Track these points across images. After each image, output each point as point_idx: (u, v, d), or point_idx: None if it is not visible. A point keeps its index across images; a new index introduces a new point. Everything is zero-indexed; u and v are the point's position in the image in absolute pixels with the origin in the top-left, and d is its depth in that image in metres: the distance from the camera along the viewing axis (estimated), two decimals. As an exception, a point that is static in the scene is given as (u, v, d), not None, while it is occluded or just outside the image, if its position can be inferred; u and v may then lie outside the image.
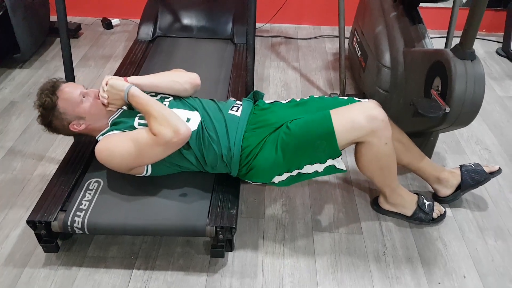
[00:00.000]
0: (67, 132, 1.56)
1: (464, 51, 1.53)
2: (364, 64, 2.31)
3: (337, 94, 2.43)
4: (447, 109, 1.53)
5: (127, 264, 1.55)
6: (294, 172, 1.51)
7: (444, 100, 1.56)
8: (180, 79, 1.63)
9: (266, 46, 3.12)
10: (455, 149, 2.14)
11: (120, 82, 1.49)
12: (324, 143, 1.43)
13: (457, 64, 1.52)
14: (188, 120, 1.51)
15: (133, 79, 1.54)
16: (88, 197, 1.53)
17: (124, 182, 1.58)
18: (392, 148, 1.52)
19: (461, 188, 1.75)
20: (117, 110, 1.55)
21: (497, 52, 3.06)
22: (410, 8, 2.07)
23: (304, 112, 1.56)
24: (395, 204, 1.71)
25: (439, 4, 2.79)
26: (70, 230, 1.46)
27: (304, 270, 1.55)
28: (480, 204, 1.83)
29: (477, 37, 1.64)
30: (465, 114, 1.56)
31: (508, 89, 2.65)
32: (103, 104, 1.52)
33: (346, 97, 1.67)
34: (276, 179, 1.54)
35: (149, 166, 1.51)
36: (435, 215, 1.70)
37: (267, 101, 1.72)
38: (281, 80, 2.71)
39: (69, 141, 1.81)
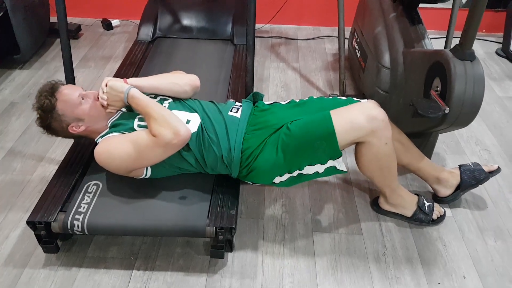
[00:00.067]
0: (66, 135, 1.55)
1: (464, 52, 1.53)
2: (363, 64, 2.31)
3: (336, 94, 2.43)
4: (447, 110, 1.53)
5: (127, 264, 1.55)
6: (295, 173, 1.51)
7: (444, 100, 1.56)
8: (180, 81, 1.62)
9: (266, 46, 3.12)
10: (455, 149, 2.14)
11: (119, 84, 1.48)
12: (324, 143, 1.43)
13: (457, 65, 1.52)
14: (188, 121, 1.51)
15: (132, 80, 1.53)
16: (87, 199, 1.53)
17: (123, 184, 1.58)
18: (392, 148, 1.52)
19: (461, 188, 1.75)
20: (116, 112, 1.55)
21: (496, 53, 3.06)
22: (410, 8, 2.07)
23: (304, 113, 1.56)
24: (395, 205, 1.71)
25: (439, 5, 2.81)
26: (70, 230, 1.46)
27: (304, 271, 1.55)
28: (479, 204, 1.83)
29: (477, 37, 1.64)
30: (464, 115, 1.56)
31: (508, 90, 2.65)
32: (103, 106, 1.51)
33: (345, 98, 1.67)
34: (277, 179, 1.54)
35: (149, 168, 1.51)
36: (435, 216, 1.70)
37: (266, 102, 1.72)
38: (280, 80, 2.71)
39: (68, 142, 1.81)
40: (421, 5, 2.06)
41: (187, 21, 2.74)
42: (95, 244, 1.62)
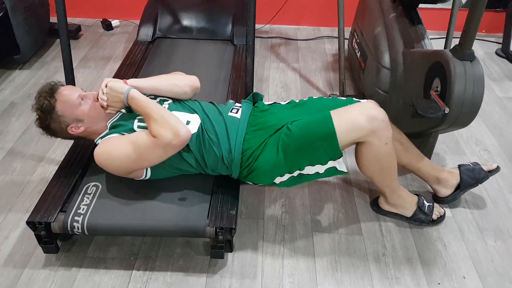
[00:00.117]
0: (65, 136, 1.55)
1: (464, 52, 1.53)
2: (363, 65, 2.31)
3: (336, 95, 2.43)
4: (447, 110, 1.53)
5: (127, 265, 1.55)
6: (295, 173, 1.51)
7: (444, 101, 1.56)
8: (180, 82, 1.62)
9: (265, 47, 3.12)
10: (455, 149, 2.14)
11: (119, 85, 1.48)
12: (325, 143, 1.43)
13: (457, 65, 1.52)
14: (188, 122, 1.51)
15: (132, 81, 1.53)
16: (87, 200, 1.53)
17: (123, 185, 1.58)
18: (393, 149, 1.52)
19: (461, 187, 1.75)
20: (116, 113, 1.55)
21: (496, 53, 3.06)
22: (410, 9, 2.07)
23: (304, 113, 1.56)
24: (395, 205, 1.71)
25: (439, 5, 2.81)
26: (70, 231, 1.46)
27: (303, 271, 1.55)
28: (479, 204, 1.83)
29: (477, 38, 1.64)
30: (464, 115, 1.56)
31: (508, 90, 2.65)
32: (102, 107, 1.51)
33: (345, 98, 1.67)
34: (277, 180, 1.54)
35: (148, 170, 1.51)
36: (434, 217, 1.70)
37: (266, 103, 1.72)
38: (280, 81, 2.71)
39: (68, 142, 1.81)
40: (421, 5, 2.07)
41: (187, 21, 2.74)
42: (95, 244, 1.62)
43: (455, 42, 1.65)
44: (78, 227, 1.45)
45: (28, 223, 1.46)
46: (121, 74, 2.29)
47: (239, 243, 1.64)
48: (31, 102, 1.50)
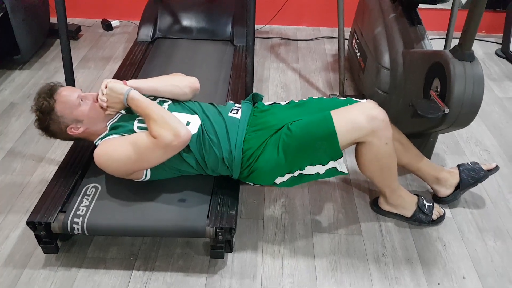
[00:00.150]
0: (65, 137, 1.54)
1: (463, 52, 1.53)
2: (363, 65, 2.32)
3: (336, 95, 2.43)
4: (446, 110, 1.53)
5: (127, 265, 1.55)
6: (296, 173, 1.51)
7: (443, 101, 1.56)
8: (180, 83, 1.62)
9: (265, 47, 3.12)
10: (455, 150, 2.14)
11: (119, 86, 1.48)
12: (325, 143, 1.43)
13: (456, 65, 1.52)
14: (188, 123, 1.51)
15: (132, 82, 1.53)
16: (86, 201, 1.53)
17: (123, 186, 1.57)
18: (393, 149, 1.52)
19: (460, 187, 1.75)
20: (115, 114, 1.54)
21: (496, 53, 3.06)
22: (409, 9, 2.07)
23: (304, 113, 1.57)
24: (395, 205, 1.71)
25: (438, 5, 2.81)
26: (69, 231, 1.46)
27: (303, 271, 1.55)
28: (479, 205, 1.83)
29: (476, 38, 1.64)
30: (464, 115, 1.56)
31: (507, 90, 2.65)
32: (102, 108, 1.50)
33: (344, 98, 1.67)
34: (278, 180, 1.54)
35: (148, 171, 1.51)
36: (434, 217, 1.70)
37: (266, 103, 1.72)
38: (280, 81, 2.71)
39: (68, 143, 1.81)
40: (420, 5, 2.07)
41: (187, 21, 2.74)
42: (95, 244, 1.62)
43: (455, 42, 1.65)
44: (78, 227, 1.45)
45: (28, 223, 1.47)
46: (121, 74, 2.29)
47: (239, 243, 1.64)
48: (31, 103, 1.50)
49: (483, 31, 3.33)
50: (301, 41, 3.21)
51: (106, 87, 1.48)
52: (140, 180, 1.54)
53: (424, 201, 1.70)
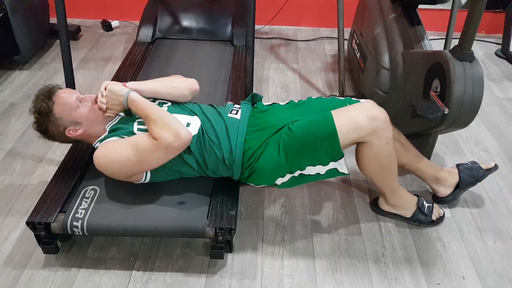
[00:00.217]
0: (63, 139, 1.53)
1: (463, 53, 1.54)
2: (363, 65, 2.32)
3: (336, 95, 2.43)
4: (446, 111, 1.54)
5: (127, 265, 1.56)
6: (296, 173, 1.51)
7: (443, 101, 1.56)
8: (179, 85, 1.62)
9: (265, 48, 3.12)
10: (454, 150, 2.14)
11: (119, 87, 1.47)
12: (326, 143, 1.43)
13: (456, 66, 1.53)
14: (188, 124, 1.50)
15: (131, 84, 1.52)
16: (87, 200, 1.53)
17: (123, 186, 1.57)
18: (393, 148, 1.52)
19: (460, 186, 1.75)
20: (115, 116, 1.54)
21: (496, 54, 3.06)
22: (409, 9, 2.07)
23: (303, 113, 1.57)
24: (395, 205, 1.71)
25: (438, 6, 2.81)
26: (69, 231, 1.46)
27: (303, 271, 1.55)
28: (479, 205, 1.83)
29: (476, 38, 1.65)
30: (464, 116, 1.56)
31: (507, 91, 2.65)
32: (101, 110, 1.50)
33: (343, 98, 1.68)
34: (279, 181, 1.54)
35: (148, 173, 1.50)
36: (434, 217, 1.70)
37: (265, 103, 1.72)
38: (280, 81, 2.71)
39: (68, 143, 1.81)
40: (420, 6, 2.07)
41: (186, 22, 2.75)
42: (95, 245, 1.62)
43: (454, 42, 1.65)
44: (77, 228, 1.45)
45: (28, 223, 1.47)
46: (120, 74, 2.29)
47: (239, 244, 1.64)
48: (31, 103, 1.50)
49: (483, 32, 3.33)
50: (301, 42, 3.21)
51: (105, 89, 1.48)
52: (140, 183, 1.54)
53: (424, 202, 1.70)
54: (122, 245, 1.62)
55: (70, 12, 1.99)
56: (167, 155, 1.41)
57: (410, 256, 1.61)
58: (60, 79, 2.63)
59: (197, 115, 1.55)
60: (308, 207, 1.81)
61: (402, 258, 1.60)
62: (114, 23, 3.32)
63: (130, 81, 2.20)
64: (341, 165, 1.48)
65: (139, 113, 1.45)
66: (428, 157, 1.94)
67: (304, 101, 1.68)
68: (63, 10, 1.78)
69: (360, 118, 1.43)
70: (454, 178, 1.76)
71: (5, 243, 1.63)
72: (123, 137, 1.46)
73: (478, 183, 1.77)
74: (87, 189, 1.58)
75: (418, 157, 1.78)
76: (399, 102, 1.95)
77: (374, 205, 1.78)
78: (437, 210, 1.73)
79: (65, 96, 1.48)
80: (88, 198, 1.54)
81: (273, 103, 1.72)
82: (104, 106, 1.48)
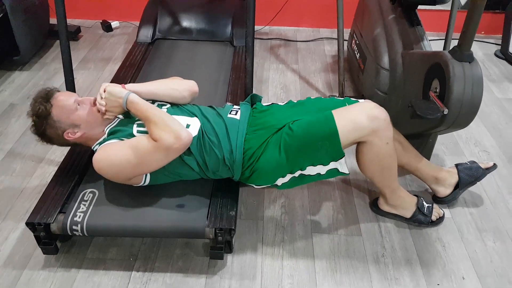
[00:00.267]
0: (62, 142, 1.52)
1: (462, 53, 1.54)
2: (362, 66, 2.32)
3: (335, 95, 2.43)
4: (446, 111, 1.54)
5: (126, 266, 1.55)
6: (297, 174, 1.50)
7: (443, 102, 1.57)
8: (179, 86, 1.61)
9: (265, 48, 3.13)
10: (454, 150, 2.15)
11: (118, 89, 1.47)
12: (327, 143, 1.43)
13: (455, 66, 1.53)
14: (187, 126, 1.50)
15: (130, 86, 1.52)
16: (86, 201, 1.53)
17: (122, 188, 1.56)
18: (393, 148, 1.52)
19: (460, 186, 1.76)
20: (114, 119, 1.53)
21: (495, 54, 3.06)
22: (409, 10, 2.08)
23: (303, 112, 1.57)
24: (395, 206, 1.71)
25: (438, 6, 2.82)
26: (69, 232, 1.46)
27: (303, 272, 1.55)
28: (478, 205, 1.83)
29: (476, 39, 1.65)
30: (463, 116, 1.56)
31: (507, 91, 2.65)
32: (100, 112, 1.49)
33: (342, 98, 1.68)
34: (279, 181, 1.53)
35: (148, 175, 1.49)
36: (434, 218, 1.70)
37: (264, 104, 1.72)
38: (280, 82, 2.71)
39: (68, 143, 1.81)
40: (420, 6, 2.07)
41: (186, 22, 2.75)
42: (94, 245, 1.62)
43: (454, 43, 1.65)
44: (77, 228, 1.45)
45: (27, 224, 1.46)
46: (120, 75, 2.29)
47: (239, 244, 1.64)
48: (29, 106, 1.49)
49: (483, 32, 3.33)
50: (301, 42, 3.21)
51: (104, 91, 1.47)
52: (139, 186, 1.53)
53: (424, 202, 1.70)
54: (121, 246, 1.62)
55: (70, 13, 1.99)
56: (168, 156, 1.40)
57: (410, 256, 1.61)
58: (60, 80, 2.64)
59: (196, 117, 1.55)
60: (308, 207, 1.81)
61: (402, 258, 1.60)
62: (114, 24, 3.33)
63: (130, 81, 2.22)
64: (342, 165, 1.48)
65: (139, 115, 1.45)
66: (428, 158, 1.94)
67: (303, 101, 1.68)
68: (63, 10, 1.78)
69: (361, 118, 1.43)
70: (453, 178, 1.76)
71: (5, 243, 1.63)
72: (123, 140, 1.45)
73: (478, 182, 1.78)
74: (85, 192, 1.57)
75: (417, 157, 1.78)
76: (399, 102, 1.95)
77: (374, 205, 1.78)
78: (436, 211, 1.73)
79: (63, 99, 1.47)
80: (86, 201, 1.54)
81: (272, 103, 1.73)
82: (103, 109, 1.47)
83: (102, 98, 1.47)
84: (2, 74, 2.69)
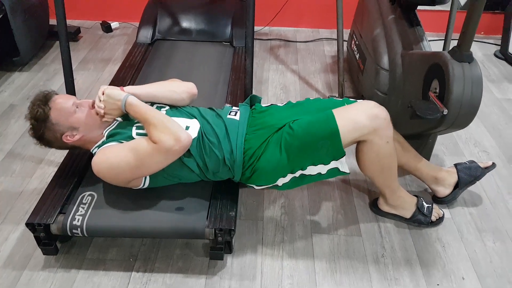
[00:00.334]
0: (60, 145, 1.51)
1: (462, 54, 1.54)
2: (362, 66, 2.32)
3: (335, 96, 2.43)
4: (445, 111, 1.54)
5: (126, 266, 1.55)
6: (297, 173, 1.50)
7: (442, 102, 1.57)
8: (177, 88, 1.61)
9: (265, 49, 3.13)
10: (453, 151, 2.15)
11: (117, 92, 1.46)
12: (328, 142, 1.43)
13: (455, 67, 1.53)
14: (187, 128, 1.49)
15: (129, 88, 1.51)
16: (85, 204, 1.52)
17: (121, 192, 1.55)
18: (393, 148, 1.52)
19: (459, 185, 1.76)
20: (112, 121, 1.52)
21: (495, 55, 3.07)
22: (408, 10, 2.08)
23: (303, 112, 1.57)
24: (395, 206, 1.71)
25: (437, 7, 2.82)
26: (69, 232, 1.46)
27: (303, 272, 1.55)
28: (478, 205, 1.83)
29: (475, 39, 1.65)
30: (463, 116, 1.57)
31: (506, 92, 2.66)
32: (99, 115, 1.48)
33: (341, 98, 1.68)
34: (280, 181, 1.53)
35: (147, 178, 1.48)
36: (433, 218, 1.71)
37: (263, 105, 1.72)
38: (280, 83, 2.71)
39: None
40: (419, 7, 2.07)
41: (186, 23, 2.75)
42: (94, 246, 1.62)
43: (453, 43, 1.65)
44: (77, 229, 1.45)
45: (27, 224, 1.46)
46: (120, 76, 2.29)
47: (239, 245, 1.64)
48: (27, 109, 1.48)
49: (482, 33, 3.33)
50: (301, 43, 3.21)
51: (103, 94, 1.46)
52: (138, 188, 1.53)
53: (424, 202, 1.70)
54: (121, 247, 1.62)
55: (69, 14, 1.99)
56: (167, 158, 1.40)
57: (410, 256, 1.61)
58: (59, 81, 2.64)
59: (195, 118, 1.55)
60: (307, 207, 1.81)
61: (401, 258, 1.60)
62: (114, 25, 3.33)
63: (130, 82, 2.22)
64: (343, 164, 1.48)
65: (138, 117, 1.44)
66: (428, 158, 1.95)
67: (302, 101, 1.68)
68: (63, 11, 1.78)
69: (361, 117, 1.43)
70: (453, 178, 1.76)
71: (5, 244, 1.63)
72: (122, 142, 1.45)
73: (477, 182, 1.78)
74: (84, 195, 1.57)
75: (416, 158, 1.78)
76: (398, 103, 1.95)
77: (374, 205, 1.78)
78: (436, 211, 1.73)
79: (61, 101, 1.46)
80: (85, 203, 1.53)
81: (271, 104, 1.73)
82: (102, 111, 1.47)
83: (100, 100, 1.47)
84: (1, 75, 2.69)
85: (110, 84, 2.17)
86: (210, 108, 1.66)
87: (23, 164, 2.01)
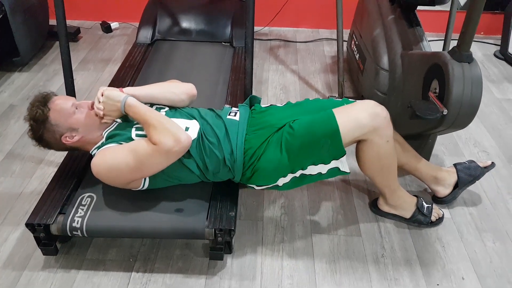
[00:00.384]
0: (59, 146, 1.51)
1: (462, 54, 1.54)
2: (362, 67, 2.32)
3: (335, 96, 2.43)
4: (445, 112, 1.54)
5: (126, 266, 1.55)
6: (298, 173, 1.50)
7: (442, 102, 1.57)
8: (177, 89, 1.61)
9: (264, 49, 3.13)
10: (453, 151, 2.15)
11: (116, 93, 1.46)
12: (328, 141, 1.43)
13: (455, 67, 1.53)
14: (187, 129, 1.49)
15: (128, 90, 1.51)
16: (85, 205, 1.52)
17: (120, 193, 1.54)
18: (393, 147, 1.53)
19: (459, 185, 1.76)
20: (112, 123, 1.52)
21: (495, 55, 3.07)
22: (408, 11, 2.08)
23: (302, 112, 1.57)
24: (395, 206, 1.71)
25: (437, 7, 2.82)
26: (69, 233, 1.46)
27: (303, 272, 1.55)
28: (478, 206, 1.83)
29: (475, 39, 1.65)
30: (462, 116, 1.57)
31: (506, 92, 2.66)
32: (98, 116, 1.48)
33: (341, 99, 1.68)
34: (280, 181, 1.53)
35: (146, 179, 1.48)
36: (433, 218, 1.71)
37: (263, 106, 1.72)
38: (280, 83, 2.71)
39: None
40: (419, 7, 2.07)
41: (186, 23, 2.75)
42: (94, 246, 1.62)
43: (453, 44, 1.65)
44: (77, 229, 1.45)
45: (27, 225, 1.46)
46: (120, 76, 2.29)
47: (238, 245, 1.64)
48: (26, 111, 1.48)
49: (482, 33, 3.33)
50: (300, 43, 3.21)
51: (102, 95, 1.46)
52: (138, 190, 1.52)
53: (424, 202, 1.70)
54: (121, 247, 1.62)
55: (69, 14, 1.99)
56: (167, 160, 1.39)
57: (410, 257, 1.61)
58: (59, 81, 2.64)
59: (195, 119, 1.55)
60: (307, 208, 1.81)
61: (401, 259, 1.60)
62: (114, 25, 3.33)
63: (129, 82, 2.22)
64: (343, 163, 1.48)
65: (137, 119, 1.44)
66: (427, 158, 1.95)
67: (302, 102, 1.68)
68: (63, 11, 1.78)
69: (362, 116, 1.43)
70: (452, 178, 1.76)
71: (5, 244, 1.63)
72: (121, 143, 1.44)
73: (477, 181, 1.78)
74: (83, 196, 1.56)
75: (416, 158, 1.78)
76: (398, 103, 1.95)
77: (374, 205, 1.78)
78: (436, 211, 1.73)
79: (60, 103, 1.46)
80: (85, 205, 1.53)
81: (271, 104, 1.73)
82: (101, 112, 1.46)
83: (100, 102, 1.46)
84: (1, 75, 2.69)
85: (109, 85, 2.17)
86: (209, 109, 1.66)
87: (23, 165, 2.01)
